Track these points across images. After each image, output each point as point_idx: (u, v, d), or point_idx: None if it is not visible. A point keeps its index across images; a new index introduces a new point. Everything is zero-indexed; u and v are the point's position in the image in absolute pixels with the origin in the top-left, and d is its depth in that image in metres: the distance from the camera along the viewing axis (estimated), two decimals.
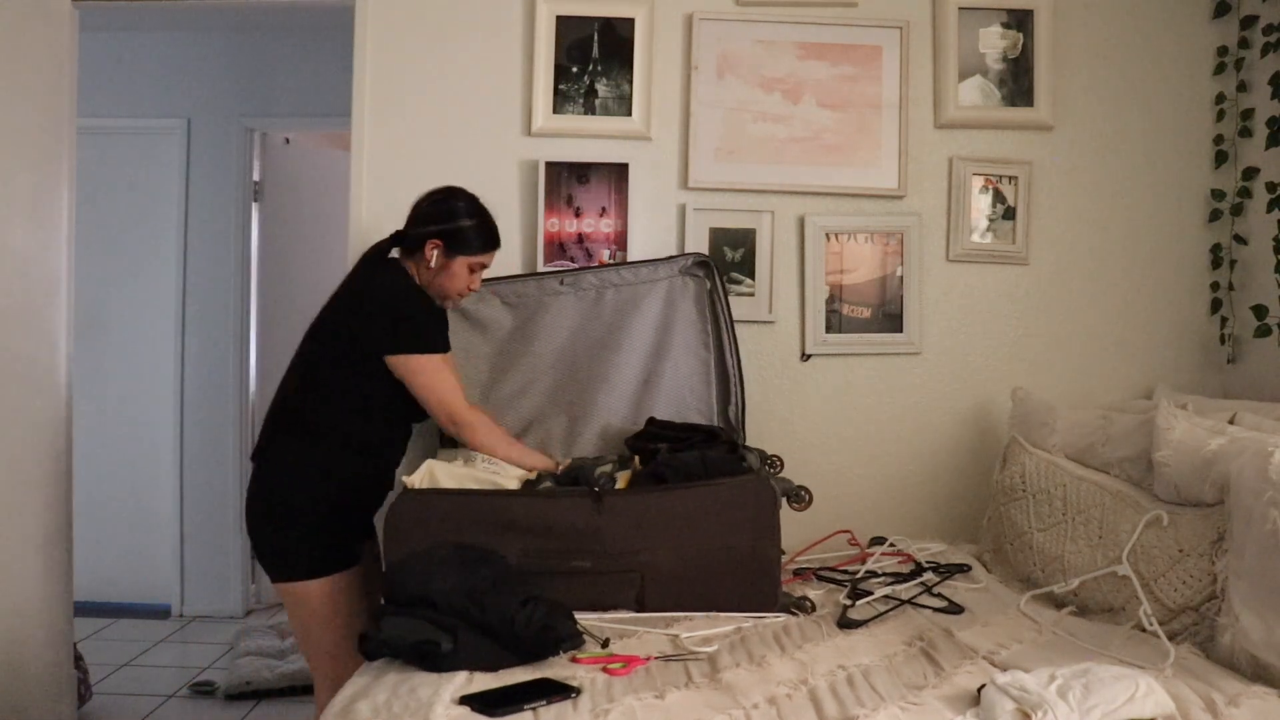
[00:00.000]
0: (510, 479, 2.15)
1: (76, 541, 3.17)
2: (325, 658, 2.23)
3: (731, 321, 2.70)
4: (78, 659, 3.25)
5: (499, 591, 1.72)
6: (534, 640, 1.68)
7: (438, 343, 2.28)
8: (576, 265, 2.84)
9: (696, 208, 2.88)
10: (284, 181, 4.75)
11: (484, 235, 2.34)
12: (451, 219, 2.31)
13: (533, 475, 2.19)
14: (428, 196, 2.38)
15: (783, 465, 2.49)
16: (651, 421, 2.56)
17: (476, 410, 2.34)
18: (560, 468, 2.27)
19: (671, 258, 2.74)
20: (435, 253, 2.30)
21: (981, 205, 2.93)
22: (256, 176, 4.62)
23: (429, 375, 2.23)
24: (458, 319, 2.68)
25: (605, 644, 1.78)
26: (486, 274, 2.47)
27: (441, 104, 2.90)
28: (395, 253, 2.39)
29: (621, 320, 2.69)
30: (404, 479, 2.07)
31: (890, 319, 2.91)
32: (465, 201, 2.35)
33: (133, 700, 3.48)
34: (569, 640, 1.72)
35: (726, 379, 2.70)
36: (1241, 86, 2.86)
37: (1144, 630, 1.85)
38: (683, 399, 2.68)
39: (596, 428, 2.63)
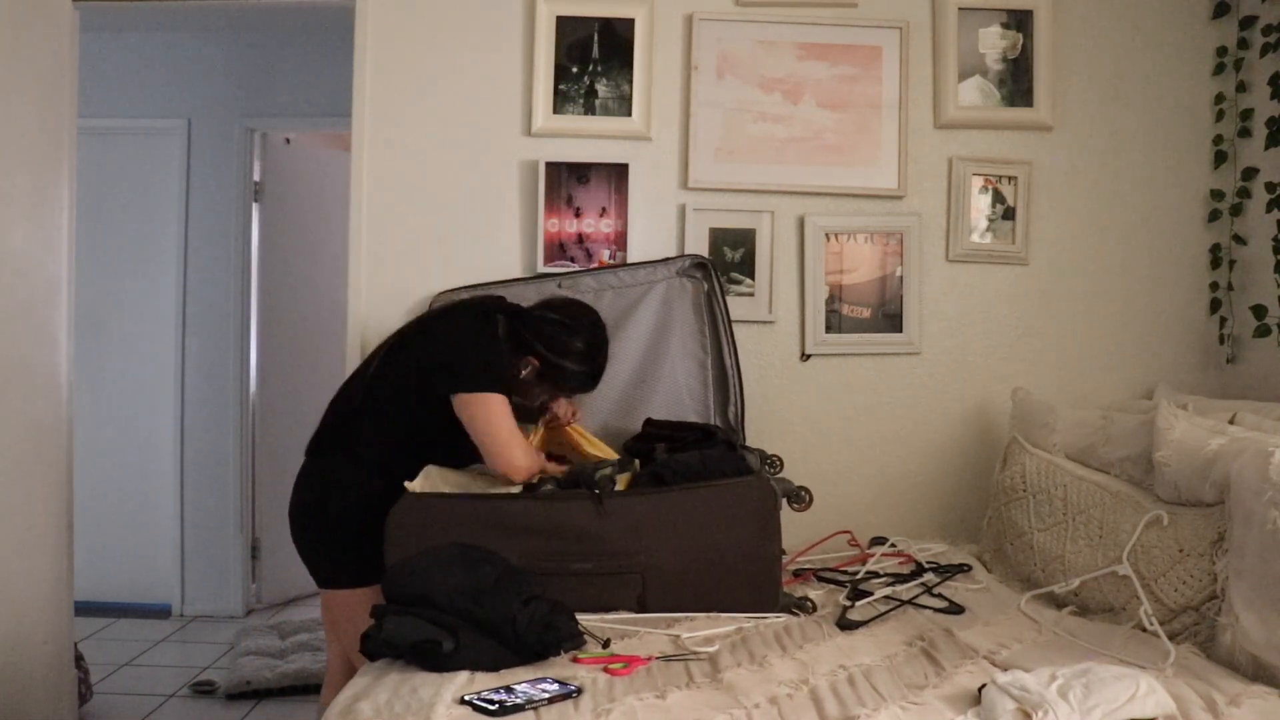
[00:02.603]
0: (511, 483, 2.15)
1: (76, 541, 3.17)
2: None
3: (730, 323, 2.69)
4: (78, 659, 3.25)
5: (500, 591, 1.72)
6: (536, 640, 1.68)
7: (501, 384, 2.17)
8: (576, 266, 2.84)
9: (696, 208, 2.88)
10: (284, 181, 4.74)
11: (584, 381, 2.29)
12: (564, 355, 2.25)
13: (533, 479, 2.19)
14: (563, 305, 2.32)
15: (782, 465, 2.49)
16: (649, 422, 2.56)
17: (534, 454, 2.22)
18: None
19: (669, 259, 2.74)
20: (530, 369, 2.26)
21: (981, 205, 2.93)
22: (257, 176, 4.62)
23: (491, 416, 2.13)
24: None
25: (606, 644, 1.78)
26: (482, 279, 2.46)
27: (441, 104, 2.90)
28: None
29: (618, 322, 2.69)
30: (405, 484, 2.07)
31: (890, 319, 2.92)
32: (584, 343, 2.27)
33: (133, 700, 3.48)
34: (570, 640, 1.72)
35: (725, 381, 2.70)
36: (1241, 87, 2.86)
37: (1144, 630, 1.86)
38: (680, 400, 2.68)
39: (593, 428, 2.63)
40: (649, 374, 2.67)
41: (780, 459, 2.49)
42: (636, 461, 2.36)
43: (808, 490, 2.17)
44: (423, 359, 2.23)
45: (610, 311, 2.70)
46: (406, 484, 2.06)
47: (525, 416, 2.31)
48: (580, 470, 2.15)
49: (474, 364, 2.17)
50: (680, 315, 2.72)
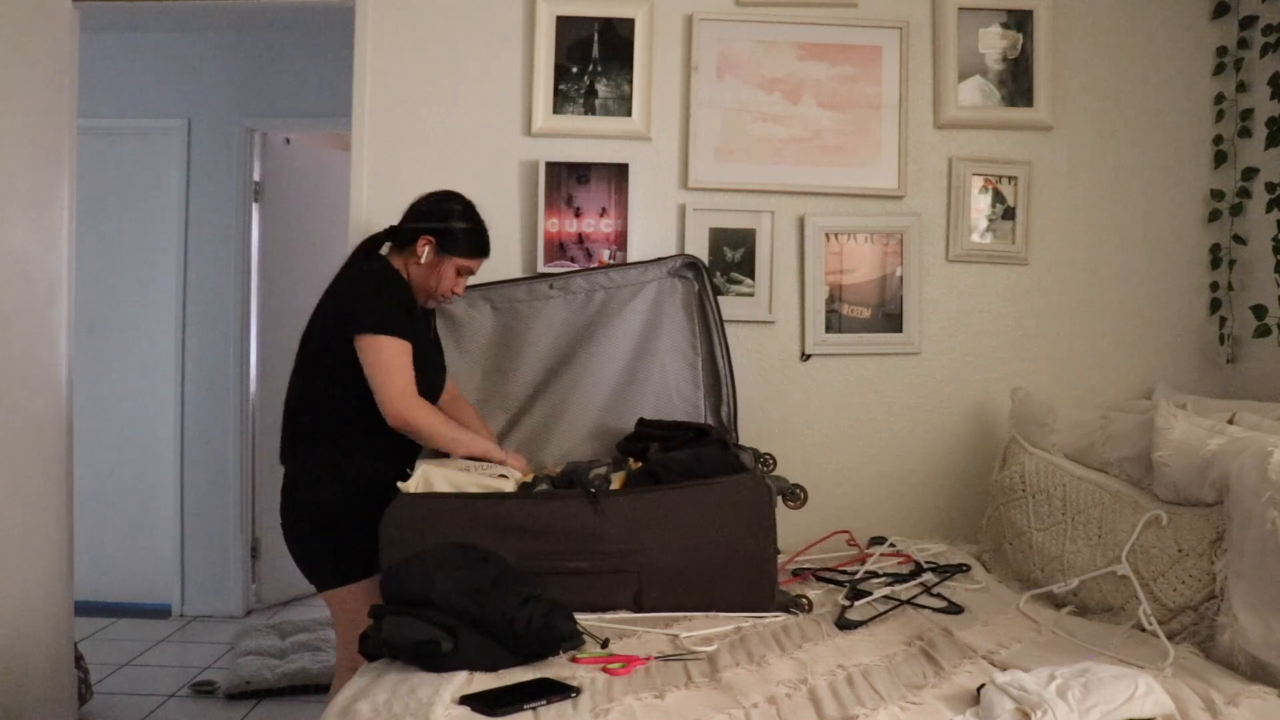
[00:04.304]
0: (506, 482, 2.14)
1: (76, 541, 3.17)
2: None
3: (722, 323, 2.70)
4: (78, 659, 3.25)
5: (499, 591, 1.72)
6: (534, 640, 1.68)
7: (401, 327, 2.22)
8: (570, 267, 2.84)
9: (696, 208, 2.88)
10: (284, 181, 4.75)
11: (475, 240, 2.39)
12: (447, 219, 2.36)
13: (528, 478, 2.19)
14: (427, 196, 2.42)
15: (775, 463, 2.48)
16: (641, 422, 2.56)
17: (424, 401, 2.25)
18: (508, 454, 2.27)
19: (661, 259, 2.74)
20: (427, 249, 2.34)
21: (981, 205, 2.93)
22: (257, 176, 4.62)
23: (385, 355, 2.18)
24: (447, 325, 2.69)
25: (605, 644, 1.79)
26: (477, 279, 2.48)
27: (441, 104, 2.90)
28: (386, 249, 2.41)
29: (607, 322, 2.69)
30: (399, 484, 2.07)
31: (890, 319, 2.91)
32: (462, 205, 2.40)
33: (133, 700, 3.48)
34: (569, 640, 1.72)
35: (717, 380, 2.70)
36: (1241, 87, 2.86)
37: (1143, 630, 1.86)
38: (670, 400, 2.69)
39: (582, 428, 2.64)
40: (639, 373, 2.67)
41: (773, 457, 2.48)
42: (631, 461, 2.36)
43: (802, 487, 2.17)
44: (330, 317, 2.28)
45: (600, 311, 2.71)
46: (400, 485, 2.06)
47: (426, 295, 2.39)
48: (575, 469, 2.15)
49: (367, 306, 2.23)
50: (670, 315, 2.72)
